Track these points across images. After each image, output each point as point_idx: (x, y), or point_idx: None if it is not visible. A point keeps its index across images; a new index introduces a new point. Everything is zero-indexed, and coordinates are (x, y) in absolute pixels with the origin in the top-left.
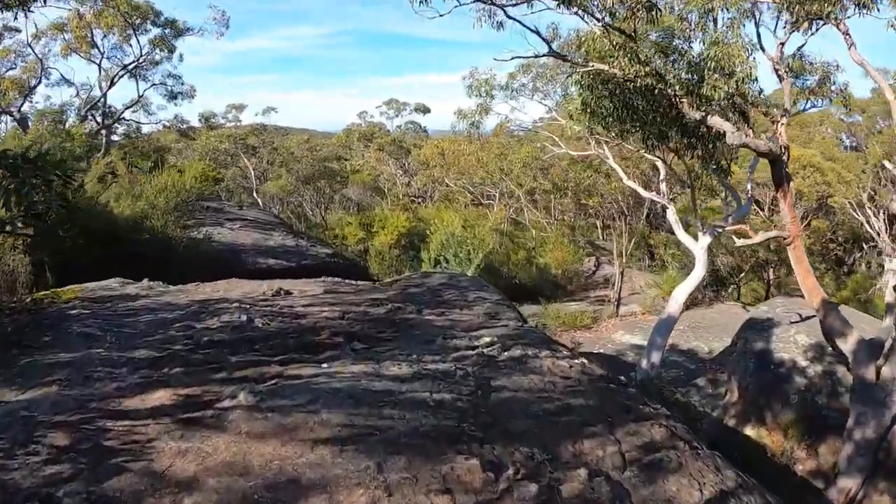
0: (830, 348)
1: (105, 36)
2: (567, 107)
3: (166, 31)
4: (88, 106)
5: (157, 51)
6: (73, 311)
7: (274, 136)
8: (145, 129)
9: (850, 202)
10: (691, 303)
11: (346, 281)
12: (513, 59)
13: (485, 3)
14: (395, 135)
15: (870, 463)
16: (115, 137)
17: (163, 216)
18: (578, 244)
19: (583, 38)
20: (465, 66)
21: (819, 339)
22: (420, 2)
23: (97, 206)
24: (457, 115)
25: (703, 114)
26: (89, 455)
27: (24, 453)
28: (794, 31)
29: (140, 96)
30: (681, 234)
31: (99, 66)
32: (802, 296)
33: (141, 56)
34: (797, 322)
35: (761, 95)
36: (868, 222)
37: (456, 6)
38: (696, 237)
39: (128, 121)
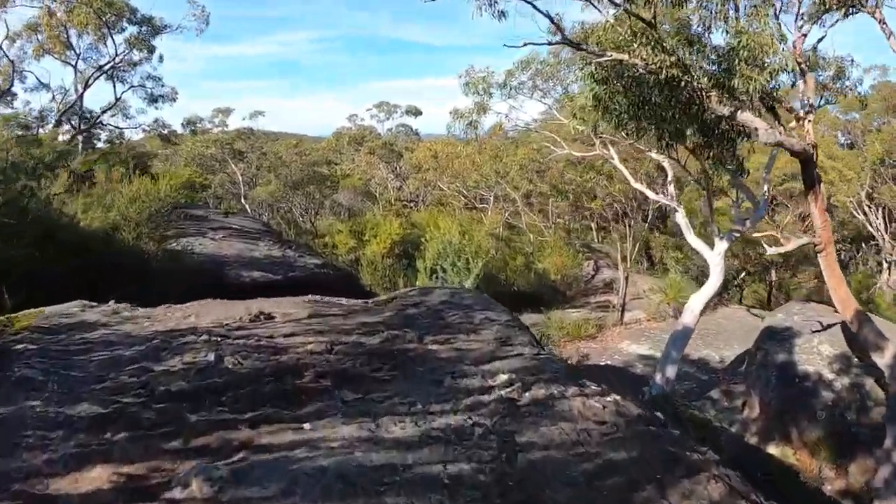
0: (856, 359)
1: (80, 35)
2: (572, 104)
3: (143, 28)
4: (64, 110)
5: (135, 51)
6: (20, 347)
7: (263, 140)
8: (128, 134)
9: (851, 200)
10: None
11: (335, 300)
12: (525, 45)
13: None
14: (386, 138)
15: None
16: (100, 144)
17: (136, 228)
18: (576, 247)
19: (590, 30)
20: (458, 70)
21: (844, 349)
22: None
23: (63, 217)
24: (453, 114)
25: (733, 109)
26: None
27: None
28: (815, 22)
29: (117, 99)
30: (692, 239)
31: (75, 67)
32: (818, 301)
33: (116, 55)
34: (819, 331)
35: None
36: (868, 220)
37: None
38: (709, 242)
39: (109, 126)
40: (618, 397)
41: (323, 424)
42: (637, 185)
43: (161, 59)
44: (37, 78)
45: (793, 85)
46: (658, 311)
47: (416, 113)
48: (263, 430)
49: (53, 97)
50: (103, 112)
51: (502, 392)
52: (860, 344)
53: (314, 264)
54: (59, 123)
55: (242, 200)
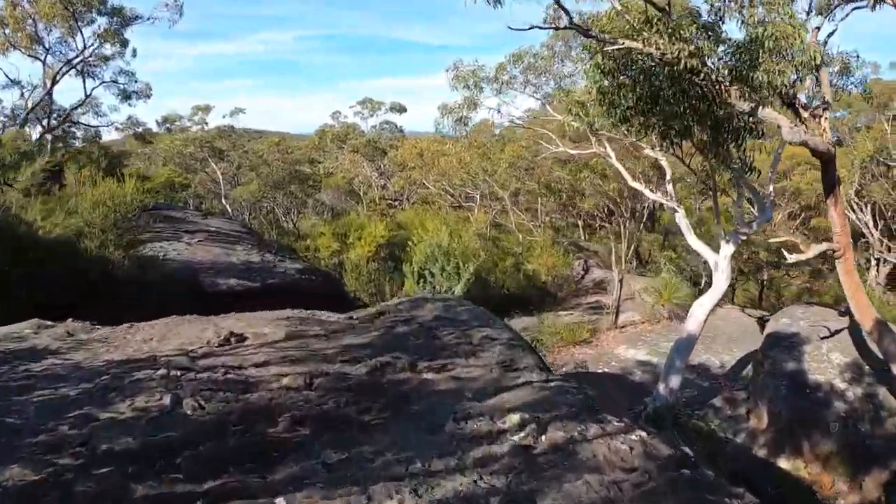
0: (868, 367)
1: (48, 29)
2: (567, 99)
3: (113, 19)
4: (31, 107)
5: (107, 44)
6: None
7: (244, 138)
8: (105, 133)
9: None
10: None
11: (316, 315)
12: (531, 28)
13: None
14: (370, 135)
15: None
16: (78, 144)
17: (100, 234)
18: (565, 247)
19: (590, 19)
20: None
21: (855, 356)
22: None
23: (21, 224)
24: (441, 110)
25: (753, 105)
26: None
27: None
28: (826, 16)
29: (87, 95)
30: (693, 242)
31: (43, 62)
32: (808, 301)
33: (85, 48)
34: (827, 337)
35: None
36: (857, 218)
37: None
38: (709, 242)
39: (81, 125)
40: (643, 434)
41: (300, 499)
42: (635, 185)
43: (134, 53)
44: (5, 74)
45: (800, 81)
46: (653, 313)
47: (401, 110)
48: None
49: (22, 94)
50: (72, 109)
51: (515, 438)
52: (882, 352)
53: (295, 269)
54: (26, 122)
55: (223, 200)
